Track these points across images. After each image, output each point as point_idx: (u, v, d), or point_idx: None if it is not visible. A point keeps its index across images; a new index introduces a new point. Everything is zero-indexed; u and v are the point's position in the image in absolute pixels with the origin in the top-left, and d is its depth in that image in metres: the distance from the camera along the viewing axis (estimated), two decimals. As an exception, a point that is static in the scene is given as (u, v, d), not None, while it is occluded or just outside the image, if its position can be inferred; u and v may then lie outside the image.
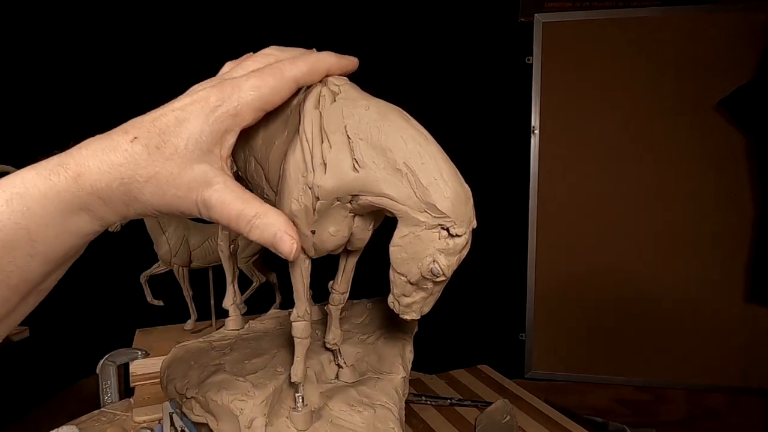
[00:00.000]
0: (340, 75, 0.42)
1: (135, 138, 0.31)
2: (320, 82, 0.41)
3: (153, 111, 0.33)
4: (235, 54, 0.41)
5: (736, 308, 1.74)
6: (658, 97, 1.74)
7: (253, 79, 0.34)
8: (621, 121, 1.78)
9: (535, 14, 1.79)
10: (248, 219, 0.34)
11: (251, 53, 0.40)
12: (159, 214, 0.34)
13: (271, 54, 0.38)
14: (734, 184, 1.72)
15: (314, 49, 0.42)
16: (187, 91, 0.34)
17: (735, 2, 1.67)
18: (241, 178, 0.51)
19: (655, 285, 1.80)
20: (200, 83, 0.35)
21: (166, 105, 0.33)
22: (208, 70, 0.40)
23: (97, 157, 0.31)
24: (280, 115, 0.45)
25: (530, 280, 1.91)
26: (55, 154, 0.31)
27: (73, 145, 0.32)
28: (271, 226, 0.34)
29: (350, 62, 0.42)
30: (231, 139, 0.34)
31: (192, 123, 0.32)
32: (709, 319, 1.77)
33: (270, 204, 0.47)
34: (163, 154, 0.31)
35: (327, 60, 0.39)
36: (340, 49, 0.41)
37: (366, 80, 0.47)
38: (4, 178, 0.30)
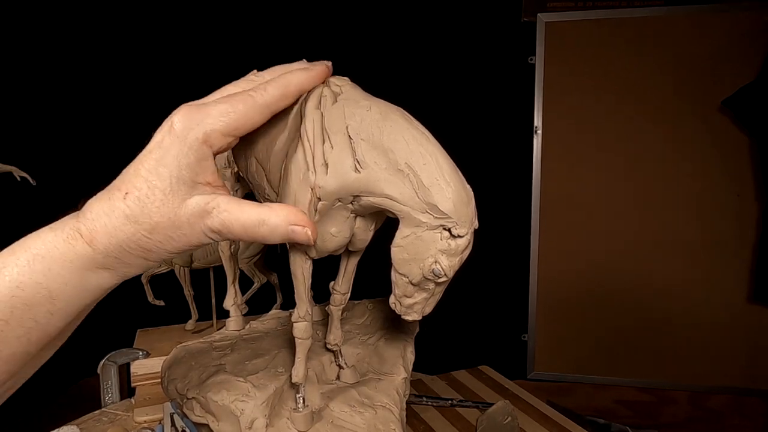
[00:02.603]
0: (314, 86, 0.41)
1: (126, 194, 0.32)
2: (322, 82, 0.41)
3: (140, 155, 0.34)
4: (237, 54, 0.40)
5: (739, 309, 1.74)
6: (661, 97, 1.74)
7: (222, 105, 0.34)
8: (624, 121, 1.78)
9: (538, 14, 1.79)
10: (255, 230, 0.34)
11: (255, 71, 0.40)
12: (179, 254, 0.35)
13: (252, 79, 0.38)
14: (738, 184, 1.71)
15: (301, 61, 0.41)
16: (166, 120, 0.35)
17: (738, 2, 1.67)
18: (242, 178, 0.51)
19: (658, 286, 1.80)
20: (177, 108, 0.35)
21: (149, 145, 0.34)
22: (209, 70, 0.40)
23: (101, 221, 0.32)
24: (281, 116, 0.45)
25: (533, 280, 1.90)
26: (81, 204, 0.33)
27: (83, 203, 0.33)
28: (278, 227, 0.34)
29: (321, 71, 0.40)
30: (210, 165, 0.34)
31: (168, 160, 0.32)
32: (712, 320, 1.76)
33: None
34: (154, 203, 0.32)
35: (297, 80, 0.38)
36: (342, 49, 0.40)
37: (369, 80, 0.47)
38: (24, 238, 0.32)
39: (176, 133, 0.32)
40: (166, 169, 0.32)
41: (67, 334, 0.35)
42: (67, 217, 0.33)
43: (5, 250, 0.32)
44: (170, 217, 0.32)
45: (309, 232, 0.35)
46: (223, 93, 0.36)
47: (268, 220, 0.34)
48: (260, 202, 0.51)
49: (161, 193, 0.32)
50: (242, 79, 0.38)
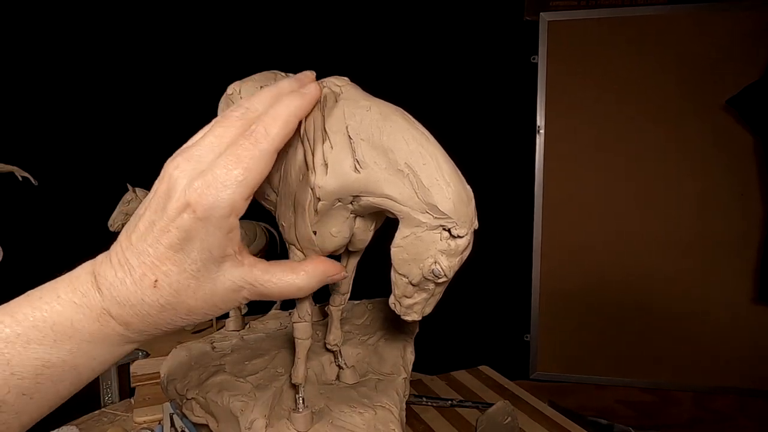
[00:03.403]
0: (308, 110, 0.37)
1: (156, 281, 0.31)
2: (320, 83, 0.41)
3: (147, 222, 0.31)
4: (237, 54, 0.40)
5: (743, 309, 1.73)
6: (664, 96, 1.73)
7: (233, 169, 0.31)
8: (627, 121, 1.77)
9: (541, 13, 1.78)
10: (291, 294, 0.37)
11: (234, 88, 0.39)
12: None
13: (242, 113, 0.34)
14: (742, 184, 1.71)
15: (287, 78, 0.38)
16: (165, 177, 0.31)
17: (741, 1, 1.66)
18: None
19: (661, 286, 1.79)
20: (174, 162, 0.31)
21: (153, 211, 0.31)
22: (210, 71, 0.39)
23: (135, 309, 0.31)
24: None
25: (535, 280, 1.90)
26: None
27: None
28: (316, 285, 0.38)
29: (315, 93, 0.37)
30: (236, 234, 0.33)
31: (196, 244, 0.31)
32: (716, 320, 1.75)
33: (272, 204, 0.47)
34: (189, 288, 0.31)
35: (296, 111, 0.34)
36: (342, 49, 0.39)
37: (369, 80, 0.47)
38: (43, 306, 0.30)
39: (198, 215, 0.30)
40: (194, 253, 0.31)
41: None
42: (87, 281, 0.31)
43: (20, 307, 0.30)
44: (205, 300, 0.32)
45: (343, 274, 0.40)
46: (217, 138, 0.32)
47: (305, 286, 0.37)
48: (259, 201, 0.50)
49: (194, 279, 0.31)
50: (231, 112, 0.34)
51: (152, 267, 0.31)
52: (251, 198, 0.32)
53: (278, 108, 0.34)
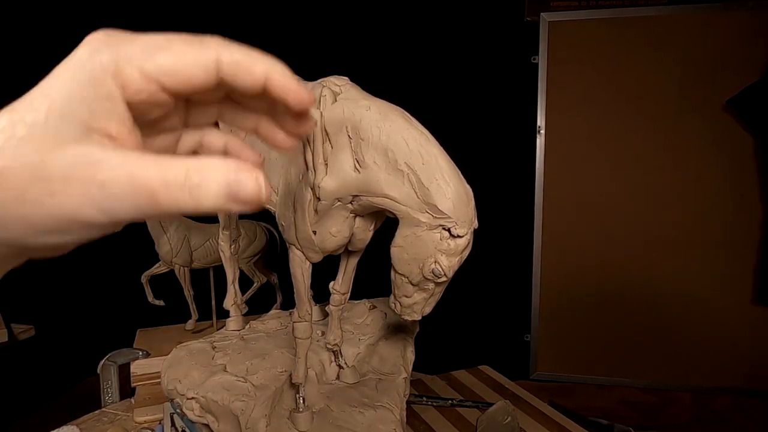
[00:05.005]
0: (279, 95, 0.26)
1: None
2: (320, 83, 0.41)
3: None
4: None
5: (743, 310, 1.73)
6: (665, 97, 1.73)
7: (159, 38, 0.23)
8: (627, 121, 1.77)
9: (541, 13, 1.78)
10: (179, 185, 0.20)
11: None
12: (39, 233, 0.21)
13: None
14: (742, 184, 1.70)
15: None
16: None
17: (743, 1, 1.66)
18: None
19: (662, 287, 1.79)
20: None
21: None
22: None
23: None
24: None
25: (536, 281, 1.90)
26: None
27: None
28: (214, 178, 0.20)
29: (304, 95, 0.25)
30: (115, 110, 0.22)
31: (55, 89, 0.22)
32: (716, 321, 1.75)
33: (272, 204, 0.47)
34: (11, 140, 0.20)
35: (272, 65, 0.25)
36: (342, 49, 0.39)
37: (370, 80, 0.47)
38: None
39: (79, 54, 0.22)
40: (45, 100, 0.21)
41: None
42: None
43: None
44: (32, 163, 0.20)
45: (260, 181, 0.20)
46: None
47: (191, 180, 0.20)
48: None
49: (25, 127, 0.20)
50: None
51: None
52: (157, 96, 0.22)
53: (259, 53, 0.24)
